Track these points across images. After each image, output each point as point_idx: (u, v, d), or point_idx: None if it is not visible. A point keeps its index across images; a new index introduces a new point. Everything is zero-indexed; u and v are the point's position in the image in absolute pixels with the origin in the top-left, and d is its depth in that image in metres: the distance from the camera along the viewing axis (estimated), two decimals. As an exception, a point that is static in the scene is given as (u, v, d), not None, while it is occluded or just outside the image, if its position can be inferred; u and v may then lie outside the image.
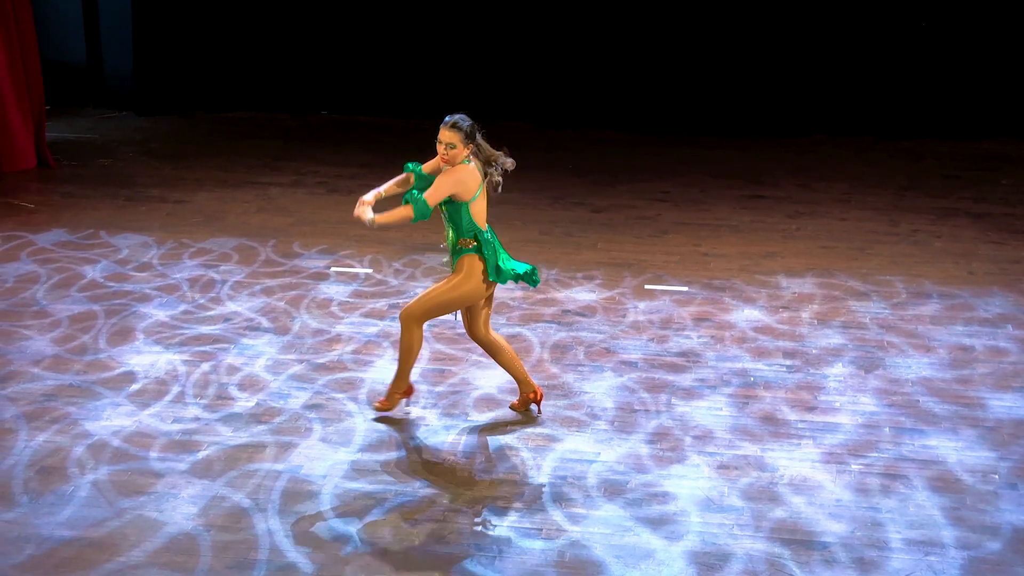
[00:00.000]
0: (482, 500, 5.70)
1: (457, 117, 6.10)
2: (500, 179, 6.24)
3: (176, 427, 6.39)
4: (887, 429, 6.51)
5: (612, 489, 5.83)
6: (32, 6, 12.09)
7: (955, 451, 6.26)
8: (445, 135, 6.06)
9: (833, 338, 7.80)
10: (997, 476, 6.00)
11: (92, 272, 8.84)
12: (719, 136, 14.06)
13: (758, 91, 14.26)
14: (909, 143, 13.73)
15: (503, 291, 8.50)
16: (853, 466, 6.09)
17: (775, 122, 14.25)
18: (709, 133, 14.17)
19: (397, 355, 6.60)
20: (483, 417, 6.60)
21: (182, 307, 8.19)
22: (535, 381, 6.76)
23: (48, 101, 13.08)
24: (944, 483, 5.93)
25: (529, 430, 6.41)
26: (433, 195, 6.06)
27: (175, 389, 6.88)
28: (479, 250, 6.19)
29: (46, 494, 5.68)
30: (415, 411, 6.63)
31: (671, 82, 14.35)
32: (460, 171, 6.09)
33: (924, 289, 8.73)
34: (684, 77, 14.31)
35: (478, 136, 6.16)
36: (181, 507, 5.60)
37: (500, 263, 6.23)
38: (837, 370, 7.30)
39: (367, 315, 8.09)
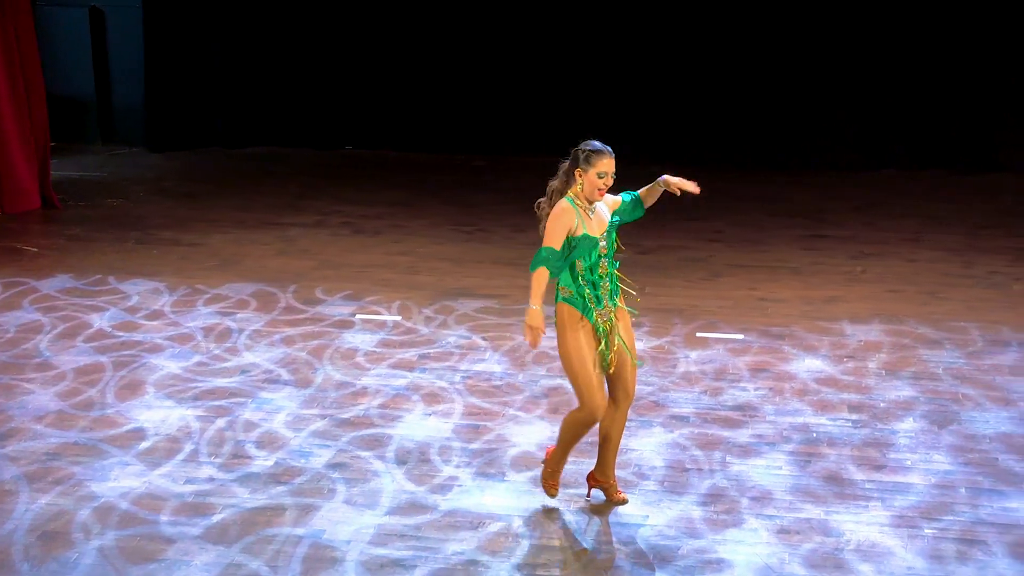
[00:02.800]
0: (522, 567, 5.69)
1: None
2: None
3: (189, 488, 6.43)
4: (963, 490, 6.45)
5: (662, 556, 5.81)
6: (37, 38, 12.29)
7: (1039, 514, 6.21)
8: (613, 164, 5.96)
9: (903, 390, 7.76)
10: (1086, 542, 5.94)
11: (99, 321, 8.93)
12: (777, 170, 14.06)
13: (820, 123, 14.28)
14: (985, 177, 13.68)
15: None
16: (926, 530, 6.04)
17: (838, 155, 14.25)
18: (766, 167, 14.17)
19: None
20: (521, 477, 6.59)
21: (196, 358, 8.25)
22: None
23: (54, 137, 13.29)
24: (1027, 549, 5.88)
25: (571, 491, 6.40)
26: None
27: (188, 447, 6.92)
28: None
29: (48, 561, 5.71)
30: (447, 470, 6.64)
31: (724, 111, 14.39)
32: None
33: (1002, 336, 8.67)
34: (739, 106, 14.35)
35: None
36: (194, 575, 5.63)
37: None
38: (908, 425, 7.25)
39: (395, 366, 8.13)
